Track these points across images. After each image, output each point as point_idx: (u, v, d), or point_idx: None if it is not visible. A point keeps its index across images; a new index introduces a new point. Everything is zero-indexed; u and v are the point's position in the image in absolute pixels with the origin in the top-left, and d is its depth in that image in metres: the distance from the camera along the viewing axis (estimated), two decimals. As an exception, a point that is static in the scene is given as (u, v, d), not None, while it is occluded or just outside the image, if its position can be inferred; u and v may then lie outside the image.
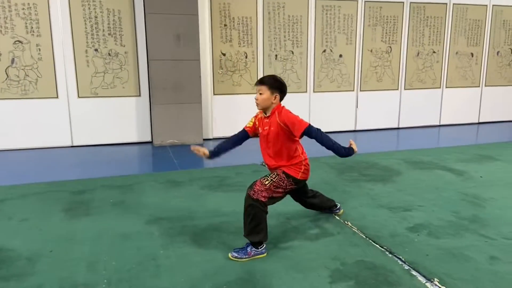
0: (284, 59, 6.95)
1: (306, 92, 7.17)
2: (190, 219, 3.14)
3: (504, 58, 8.29)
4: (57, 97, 5.99)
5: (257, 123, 2.88)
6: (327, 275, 2.32)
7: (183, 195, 3.74)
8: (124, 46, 6.13)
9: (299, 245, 2.70)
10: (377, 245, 2.71)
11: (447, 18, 7.70)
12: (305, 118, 7.03)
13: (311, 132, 2.66)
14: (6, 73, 5.70)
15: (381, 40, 7.42)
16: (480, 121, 8.40)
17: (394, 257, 2.54)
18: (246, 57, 6.74)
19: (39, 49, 5.78)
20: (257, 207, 2.53)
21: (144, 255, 2.56)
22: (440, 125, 8.10)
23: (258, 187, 2.59)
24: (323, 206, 3.16)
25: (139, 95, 6.32)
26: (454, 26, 7.80)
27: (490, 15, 7.97)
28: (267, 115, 2.82)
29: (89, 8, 5.88)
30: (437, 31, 7.72)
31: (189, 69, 6.15)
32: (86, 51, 5.99)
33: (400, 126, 7.86)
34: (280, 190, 2.65)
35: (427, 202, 3.53)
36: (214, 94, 6.70)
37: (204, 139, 6.68)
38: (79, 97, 6.08)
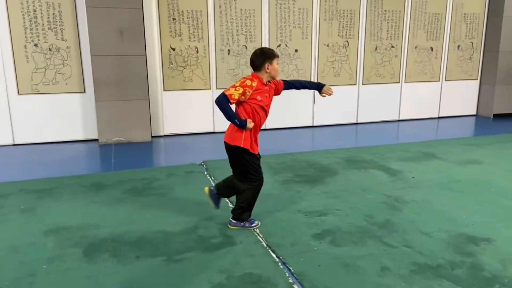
0: (237, 54, 6.80)
1: (261, 87, 7.03)
2: (93, 228, 3.02)
3: (465, 52, 8.26)
4: (-5, 94, 5.78)
5: (248, 93, 2.80)
6: (206, 290, 2.23)
7: (101, 200, 3.61)
8: (66, 41, 5.92)
9: (192, 256, 2.61)
10: (273, 255, 2.63)
11: (405, 11, 7.61)
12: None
13: None
14: None
15: (338, 35, 7.31)
16: (441, 115, 8.40)
17: (285, 268, 2.47)
18: (197, 52, 6.58)
19: (-26, 44, 5.56)
20: None
21: (24, 270, 2.44)
22: (399, 120, 8.06)
23: None
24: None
25: (84, 92, 6.13)
26: (413, 20, 7.72)
27: (450, 9, 7.91)
28: (268, 83, 2.96)
29: (27, 1, 5.65)
30: (396, 25, 7.63)
31: (134, 64, 5.97)
32: (25, 46, 5.77)
33: (359, 121, 7.80)
34: None
35: (347, 205, 3.47)
36: (164, 90, 6.54)
37: (154, 136, 6.54)
38: (19, 94, 5.87)
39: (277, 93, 3.14)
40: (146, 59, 6.25)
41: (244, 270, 2.43)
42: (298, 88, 3.35)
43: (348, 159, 4.96)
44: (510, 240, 2.81)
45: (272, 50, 3.01)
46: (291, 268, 2.46)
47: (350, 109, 7.71)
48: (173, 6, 6.32)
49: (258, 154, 3.00)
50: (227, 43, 6.72)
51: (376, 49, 7.61)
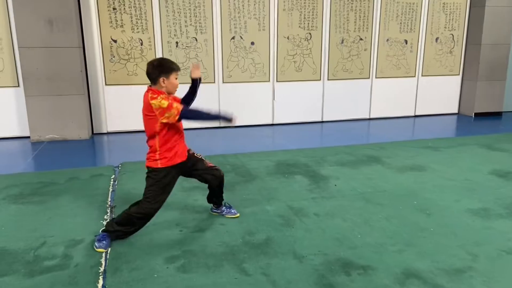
0: (186, 46, 6.36)
1: (214, 82, 6.60)
2: None
3: (444, 45, 7.62)
4: None
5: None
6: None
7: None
8: (-4, 32, 5.59)
9: (4, 282, 2.21)
10: (99, 283, 2.21)
11: (375, 1, 7.03)
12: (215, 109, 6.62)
13: None
14: None
15: (299, 26, 6.79)
16: (417, 114, 7.80)
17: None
18: (141, 44, 6.16)
19: None
20: None
21: None
22: (370, 119, 7.51)
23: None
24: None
25: (18, 86, 5.80)
26: (384, 10, 7.13)
27: (426, -2, 7.29)
28: None
29: (-48, -11, 5.33)
30: (364, 16, 7.06)
31: (67, 57, 5.60)
32: (-48, 37, 5.47)
33: (324, 119, 7.29)
34: None
35: (236, 219, 3.02)
36: (106, 84, 6.16)
37: (96, 134, 6.19)
38: None
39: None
40: (84, 51, 5.90)
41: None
42: (193, 98, 2.99)
43: (281, 163, 4.49)
44: (391, 269, 2.32)
45: (171, 63, 2.70)
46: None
47: (314, 106, 7.19)
48: (112, -6, 5.92)
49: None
50: (174, 35, 6.28)
51: (342, 42, 7.06)
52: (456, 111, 8.00)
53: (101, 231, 2.67)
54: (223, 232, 2.81)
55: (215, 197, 3.08)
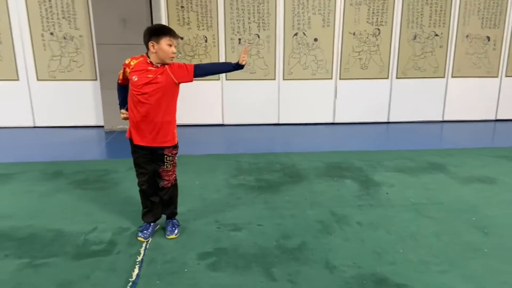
0: (249, 43, 6.43)
1: (274, 79, 6.59)
2: None
3: (535, 43, 6.78)
4: (17, 79, 6.24)
5: (127, 70, 2.64)
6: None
7: (41, 190, 3.64)
8: (79, 30, 6.14)
9: (53, 262, 2.45)
10: (134, 272, 2.34)
11: (454, -6, 6.46)
12: (274, 108, 6.67)
13: None
14: (-31, 56, 6.07)
15: (367, 22, 6.49)
16: (498, 118, 7.05)
17: (131, 290, 2.18)
18: (206, 41, 6.36)
19: (-1, 33, 6.04)
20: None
21: None
22: (443, 121, 6.95)
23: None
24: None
25: (96, 79, 6.33)
26: (464, 4, 6.52)
27: (516, -11, 6.52)
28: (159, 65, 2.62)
29: (43, -8, 5.96)
30: (441, 10, 6.52)
31: (138, 53, 5.93)
32: (42, 34, 6.11)
33: (391, 120, 6.91)
34: None
35: (274, 221, 3.00)
36: (172, 79, 6.46)
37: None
38: (38, 80, 6.27)
39: (182, 80, 2.68)
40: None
41: (81, 287, 2.19)
42: (213, 73, 2.91)
43: (332, 165, 4.35)
44: (430, 292, 2.14)
45: (162, 26, 2.59)
46: (134, 291, 2.16)
47: (379, 106, 6.85)
48: (181, -7, 6.16)
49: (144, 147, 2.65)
50: (237, 32, 6.38)
51: (414, 38, 6.61)
52: (546, 116, 7.10)
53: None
54: (258, 233, 2.81)
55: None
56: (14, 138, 5.74)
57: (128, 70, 2.56)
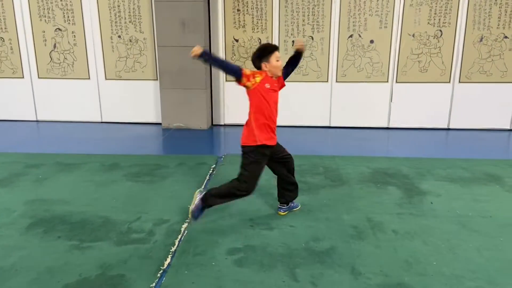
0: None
1: (327, 81, 6.54)
2: (60, 204, 3.37)
3: None
4: (89, 78, 6.85)
5: (258, 80, 2.89)
6: None
7: (99, 180, 3.98)
8: (143, 33, 6.58)
9: (97, 246, 2.70)
10: (167, 261, 2.50)
11: (529, -8, 5.93)
12: (326, 110, 6.63)
13: None
14: (50, 56, 6.77)
15: (428, 23, 6.19)
16: None
17: (159, 279, 2.34)
18: (259, 43, 6.48)
19: (74, 36, 6.67)
20: None
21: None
22: (511, 130, 6.42)
23: None
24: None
25: (157, 79, 6.74)
26: (540, 3, 5.97)
27: None
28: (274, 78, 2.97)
29: (113, -2, 6.48)
30: (511, 10, 6.04)
31: (195, 55, 6.25)
32: (111, 37, 6.65)
33: (451, 127, 6.52)
34: None
35: (308, 223, 3.02)
36: (226, 81, 6.69)
37: (215, 125, 6.80)
38: (106, 79, 6.83)
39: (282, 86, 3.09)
40: (210, 49, 6.50)
41: (118, 271, 2.39)
42: (292, 69, 3.13)
43: (378, 171, 4.24)
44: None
45: (265, 47, 2.94)
46: (163, 279, 2.31)
47: (439, 111, 6.50)
48: (238, -3, 6.35)
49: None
50: (291, 34, 6.42)
51: (481, 40, 6.18)
52: None
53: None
54: (289, 234, 2.85)
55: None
56: (82, 132, 6.31)
57: (259, 77, 2.87)
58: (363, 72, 6.45)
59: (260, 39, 6.46)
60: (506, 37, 6.14)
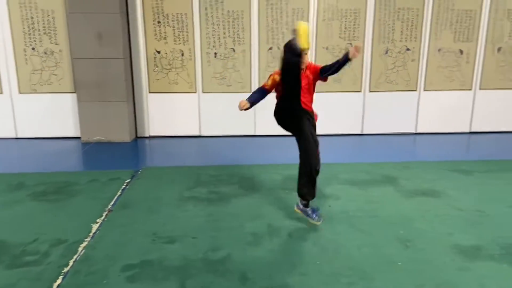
0: (224, 57, 6.61)
1: (250, 92, 6.72)
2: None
3: (508, 56, 6.84)
4: (1, 93, 6.49)
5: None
6: None
7: None
8: (59, 45, 6.37)
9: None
10: (57, 282, 2.48)
11: (425, 9, 6.56)
12: (248, 121, 6.80)
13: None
14: (-44, 70, 6.33)
15: (339, 37, 6.63)
16: (473, 130, 7.10)
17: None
18: (182, 55, 6.55)
19: (-17, 48, 6.30)
20: None
21: None
22: (416, 134, 7.02)
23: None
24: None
25: (74, 92, 6.54)
26: (435, 19, 6.63)
27: (488, 4, 6.61)
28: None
29: (25, 9, 6.21)
30: (413, 25, 6.64)
31: (113, 67, 6.19)
32: (25, 50, 6.36)
33: (364, 132, 7.00)
34: None
35: (211, 233, 3.13)
36: (149, 92, 6.66)
37: (139, 137, 6.73)
38: (20, 93, 6.51)
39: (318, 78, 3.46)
40: (131, 61, 6.46)
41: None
42: (334, 72, 3.44)
43: (289, 177, 4.46)
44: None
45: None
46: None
47: (353, 118, 6.96)
48: (157, 9, 6.37)
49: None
50: (213, 46, 6.56)
51: (386, 53, 6.73)
52: (523, 128, 7.13)
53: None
54: (190, 246, 2.95)
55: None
56: (-5, 149, 5.96)
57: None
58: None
59: (182, 50, 6.53)
60: (408, 49, 6.75)
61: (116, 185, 4.27)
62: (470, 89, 6.96)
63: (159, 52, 6.52)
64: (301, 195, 3.27)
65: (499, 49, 6.80)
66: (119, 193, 4.05)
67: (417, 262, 2.69)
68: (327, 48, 6.65)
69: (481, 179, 4.36)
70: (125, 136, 6.43)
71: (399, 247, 2.89)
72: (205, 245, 2.95)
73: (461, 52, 6.80)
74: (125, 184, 4.31)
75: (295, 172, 4.60)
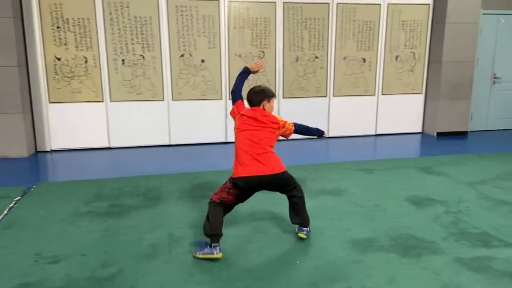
0: (133, 64, 6.33)
1: (163, 100, 6.53)
2: None
3: (405, 64, 7.45)
4: None
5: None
6: None
7: None
8: None
9: None
10: None
11: (330, 20, 6.92)
12: (163, 129, 6.56)
13: None
14: None
15: (251, 44, 6.72)
16: (378, 133, 7.58)
17: None
18: (86, 62, 6.15)
19: None
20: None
21: None
22: (328, 137, 7.33)
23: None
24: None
25: (-40, 103, 5.81)
26: (339, 29, 7.03)
27: (385, 15, 7.16)
28: None
29: None
30: (319, 34, 6.97)
31: (8, 76, 5.61)
32: None
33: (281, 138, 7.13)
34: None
35: (104, 248, 2.89)
36: (50, 102, 6.14)
37: (40, 152, 6.15)
38: None
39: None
40: (27, 70, 5.92)
41: None
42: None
43: (200, 186, 4.35)
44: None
45: (271, 89, 3.12)
46: None
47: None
48: (56, 13, 5.93)
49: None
50: (120, 53, 6.26)
51: (296, 60, 6.96)
52: (420, 130, 7.79)
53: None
54: (77, 264, 2.68)
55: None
56: None
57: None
58: (198, 90, 6.64)
59: (86, 57, 6.13)
60: (317, 57, 7.04)
61: (3, 204, 3.80)
62: (373, 95, 7.46)
63: (59, 59, 6.06)
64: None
65: (396, 57, 7.39)
66: (5, 212, 3.60)
67: (315, 259, 2.72)
68: (240, 56, 6.69)
69: (380, 177, 4.62)
70: (22, 151, 5.83)
71: (299, 246, 2.90)
72: (95, 262, 2.70)
73: (364, 60, 7.28)
74: (13, 202, 3.86)
75: (206, 180, 4.53)
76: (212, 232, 2.73)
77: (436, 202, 3.77)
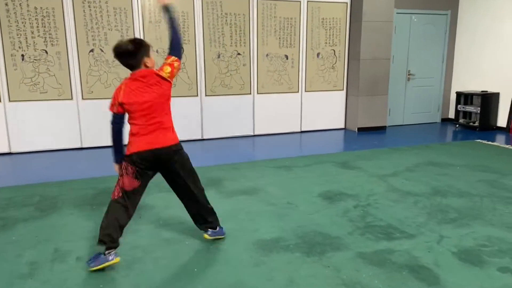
0: (35, 59, 5.72)
1: (72, 99, 5.99)
2: None
3: (326, 61, 7.57)
4: None
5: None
6: None
7: None
8: None
9: None
10: None
11: (251, 16, 6.82)
12: (73, 130, 6.03)
13: None
14: None
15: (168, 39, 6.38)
16: (303, 129, 7.63)
17: None
18: (-23, 57, 5.45)
19: None
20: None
21: None
22: (254, 136, 7.23)
23: None
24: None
25: None
26: (261, 25, 6.95)
27: (305, 13, 7.20)
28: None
29: None
30: (241, 31, 6.83)
31: None
32: None
33: (204, 137, 6.90)
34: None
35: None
36: None
37: None
38: None
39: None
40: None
41: None
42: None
43: (103, 191, 3.98)
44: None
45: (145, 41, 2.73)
46: None
47: (192, 123, 6.79)
48: None
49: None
50: (19, 47, 5.63)
51: (219, 57, 6.76)
52: (343, 126, 7.98)
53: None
54: None
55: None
56: None
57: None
58: (111, 88, 6.17)
59: (-24, 52, 5.42)
60: (239, 53, 6.90)
61: None
62: (297, 92, 7.49)
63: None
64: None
65: (318, 54, 7.49)
66: None
67: (215, 264, 2.53)
68: (157, 51, 6.34)
69: (298, 173, 4.57)
70: None
71: (200, 252, 2.70)
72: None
73: (287, 57, 7.27)
74: None
75: (112, 185, 4.16)
76: (105, 232, 2.45)
77: (348, 196, 3.77)
